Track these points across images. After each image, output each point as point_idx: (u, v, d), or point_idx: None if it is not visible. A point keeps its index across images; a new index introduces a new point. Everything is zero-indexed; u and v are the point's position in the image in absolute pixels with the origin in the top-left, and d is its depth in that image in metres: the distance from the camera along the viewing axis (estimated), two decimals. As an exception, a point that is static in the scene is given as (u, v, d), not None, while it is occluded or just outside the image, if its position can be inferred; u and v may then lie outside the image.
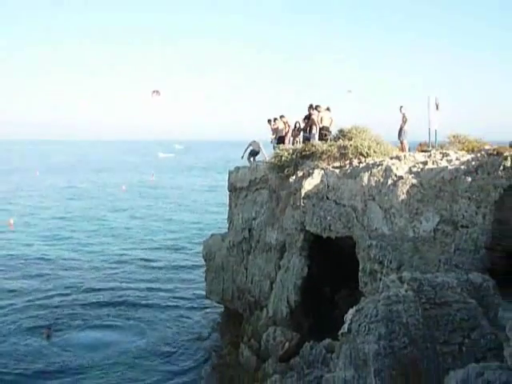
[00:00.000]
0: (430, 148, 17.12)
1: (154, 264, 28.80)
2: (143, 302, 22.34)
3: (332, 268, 16.14)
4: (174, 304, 22.14)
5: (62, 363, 16.58)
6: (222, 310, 21.01)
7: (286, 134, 20.66)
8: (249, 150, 21.13)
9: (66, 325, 19.75)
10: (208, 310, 21.41)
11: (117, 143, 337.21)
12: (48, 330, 19.02)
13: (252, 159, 21.04)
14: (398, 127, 17.81)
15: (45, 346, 17.85)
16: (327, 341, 12.61)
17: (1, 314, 20.75)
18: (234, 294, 19.58)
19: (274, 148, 19.87)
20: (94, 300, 22.47)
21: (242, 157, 21.15)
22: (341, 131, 17.62)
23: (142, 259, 29.78)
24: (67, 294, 23.20)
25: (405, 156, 14.36)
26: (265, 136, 21.75)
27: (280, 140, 20.32)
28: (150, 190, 65.73)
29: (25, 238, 35.53)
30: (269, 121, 21.02)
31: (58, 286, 24.29)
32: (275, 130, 20.80)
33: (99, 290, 23.92)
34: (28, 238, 35.30)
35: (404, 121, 17.56)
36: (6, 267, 27.80)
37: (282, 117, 20.70)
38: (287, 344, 14.77)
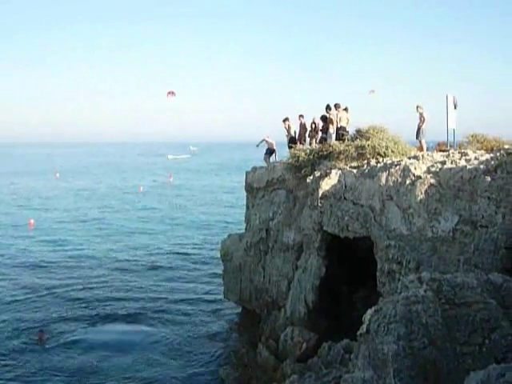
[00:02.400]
0: (449, 147, 17.02)
1: (170, 264, 28.94)
2: (160, 302, 22.42)
3: (349, 268, 16.11)
4: (191, 304, 22.22)
5: (58, 367, 16.20)
6: (240, 310, 21.06)
7: (301, 134, 20.61)
8: (265, 148, 21.24)
9: (73, 326, 19.53)
10: (225, 311, 21.46)
11: (132, 145, 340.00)
12: (41, 333, 18.30)
13: (268, 159, 21.11)
14: (416, 127, 17.72)
15: (37, 351, 17.33)
16: (345, 341, 12.59)
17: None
18: (252, 294, 19.63)
19: (289, 148, 19.97)
20: (109, 302, 22.47)
21: (258, 145, 21.37)
22: (358, 131, 17.56)
23: (158, 260, 29.93)
24: (80, 292, 23.44)
25: (423, 156, 14.29)
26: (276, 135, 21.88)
27: (291, 141, 20.28)
28: (168, 190, 66.15)
29: (43, 238, 35.91)
30: (284, 120, 21.01)
31: (71, 287, 24.34)
32: (288, 130, 20.82)
33: (113, 290, 23.98)
34: (46, 239, 35.70)
35: (422, 120, 17.46)
36: (19, 266, 28.18)
37: (301, 116, 20.62)
38: (305, 344, 14.78)
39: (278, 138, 21.32)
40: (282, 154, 20.43)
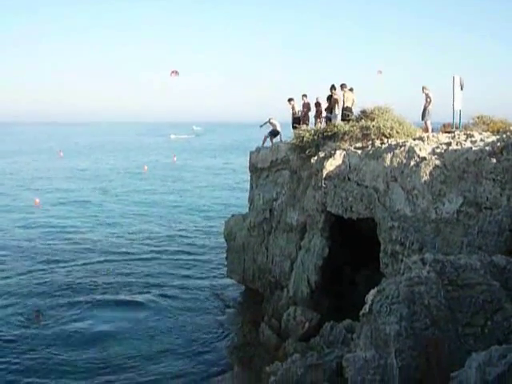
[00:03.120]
0: (454, 129, 16.90)
1: (173, 245, 29.02)
2: (163, 281, 22.55)
3: (352, 249, 16.14)
4: (194, 283, 22.35)
5: (56, 355, 15.85)
6: (243, 289, 21.18)
7: (305, 114, 20.54)
8: (270, 129, 21.18)
9: (74, 311, 19.22)
10: (228, 290, 21.59)
11: (134, 124, 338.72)
12: (37, 313, 18.16)
13: (272, 140, 21.08)
14: (422, 108, 17.59)
15: (34, 332, 17.13)
16: (347, 321, 12.67)
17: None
18: (255, 273, 19.72)
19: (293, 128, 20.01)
20: (111, 281, 22.53)
21: (261, 126, 21.26)
22: (363, 112, 17.43)
23: (161, 239, 30.08)
24: (80, 276, 23.19)
25: (428, 137, 14.20)
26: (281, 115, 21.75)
27: (296, 121, 20.23)
28: (171, 171, 66.14)
29: (46, 220, 35.79)
30: (289, 100, 20.94)
31: (72, 267, 24.40)
32: (293, 111, 20.76)
33: (115, 270, 24.03)
34: (49, 220, 35.67)
35: (428, 101, 17.31)
36: (23, 245, 28.23)
37: (304, 96, 20.53)
38: (307, 324, 14.88)
39: (281, 119, 21.22)
40: (287, 134, 20.35)
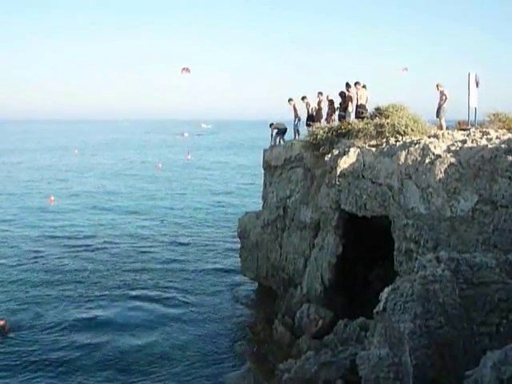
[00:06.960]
0: (470, 126, 16.78)
1: (187, 240, 29.14)
2: (176, 278, 22.62)
3: (366, 247, 16.11)
4: (208, 280, 22.42)
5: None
6: (257, 286, 21.22)
7: (317, 112, 20.55)
8: (275, 131, 21.30)
9: (74, 301, 19.31)
10: (242, 287, 21.63)
11: (144, 122, 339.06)
12: (3, 322, 16.88)
13: (279, 138, 21.18)
14: (436, 105, 17.48)
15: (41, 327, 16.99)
16: (361, 319, 12.68)
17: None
18: (269, 271, 19.75)
19: (294, 128, 20.58)
20: (122, 278, 22.61)
21: (274, 144, 21.27)
22: (377, 109, 17.35)
23: (175, 236, 30.19)
24: (93, 272, 23.40)
25: (443, 134, 14.10)
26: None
27: (310, 119, 20.27)
28: (185, 168, 66.30)
29: (59, 216, 35.91)
30: (302, 98, 21.01)
31: (83, 264, 24.55)
32: (307, 108, 20.82)
33: (125, 267, 24.14)
34: (65, 215, 36.05)
35: (443, 99, 17.21)
36: (33, 243, 28.41)
37: (320, 93, 20.58)
38: (321, 321, 14.89)
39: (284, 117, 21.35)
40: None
